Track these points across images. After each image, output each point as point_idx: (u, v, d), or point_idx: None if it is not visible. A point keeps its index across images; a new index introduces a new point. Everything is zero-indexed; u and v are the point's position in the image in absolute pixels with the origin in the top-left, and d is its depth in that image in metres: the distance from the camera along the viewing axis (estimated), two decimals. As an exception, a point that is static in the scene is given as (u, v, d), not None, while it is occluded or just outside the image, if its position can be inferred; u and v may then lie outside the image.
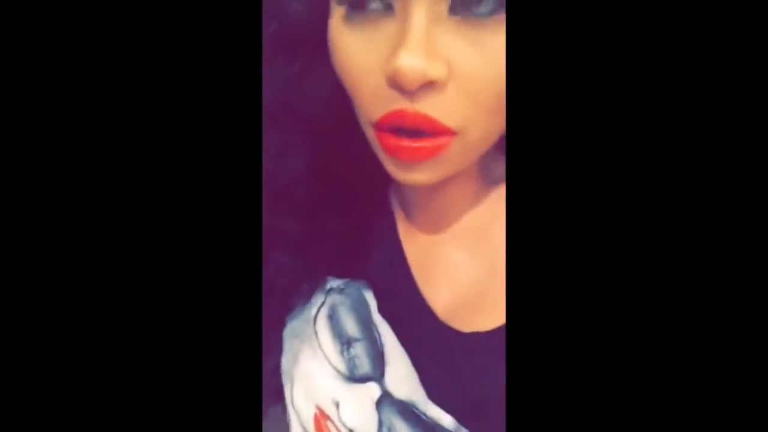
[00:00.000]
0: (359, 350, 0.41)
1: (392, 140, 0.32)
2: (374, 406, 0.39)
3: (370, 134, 0.34)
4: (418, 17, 0.28)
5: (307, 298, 0.43)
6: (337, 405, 0.41)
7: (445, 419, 0.38)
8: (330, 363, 0.42)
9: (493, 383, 0.37)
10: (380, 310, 0.42)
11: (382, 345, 0.41)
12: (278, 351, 0.44)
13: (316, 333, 0.43)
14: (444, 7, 0.29)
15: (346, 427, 0.40)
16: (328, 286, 0.43)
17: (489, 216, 0.41)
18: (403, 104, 0.31)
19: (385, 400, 0.39)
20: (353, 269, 0.43)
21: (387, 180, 0.35)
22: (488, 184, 0.41)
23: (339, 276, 0.43)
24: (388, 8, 0.30)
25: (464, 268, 0.41)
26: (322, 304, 0.43)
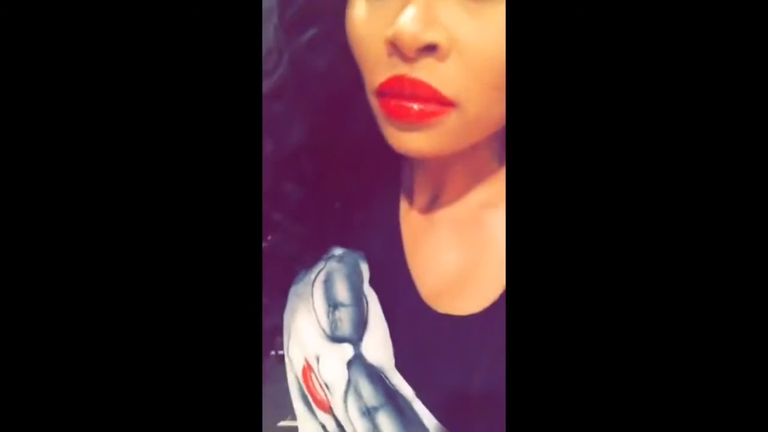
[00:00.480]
0: (343, 314, 0.44)
1: (392, 102, 0.33)
2: (345, 366, 0.43)
3: (374, 103, 0.36)
4: None
5: (310, 264, 0.47)
6: (318, 360, 0.45)
7: (405, 389, 0.40)
8: (318, 322, 0.46)
9: (460, 365, 0.40)
10: (371, 282, 0.45)
11: (367, 313, 0.44)
12: (280, 310, 0.49)
13: (312, 294, 0.47)
14: None
15: (323, 380, 0.44)
16: (329, 254, 0.47)
17: (481, 203, 0.42)
18: (402, 69, 0.32)
19: (356, 361, 0.43)
20: (352, 240, 0.46)
21: (393, 156, 0.38)
22: (493, 171, 0.42)
23: (339, 245, 0.47)
24: None
25: (452, 253, 0.43)
26: (321, 269, 0.47)
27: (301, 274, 0.48)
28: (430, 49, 0.31)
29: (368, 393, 0.41)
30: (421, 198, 0.45)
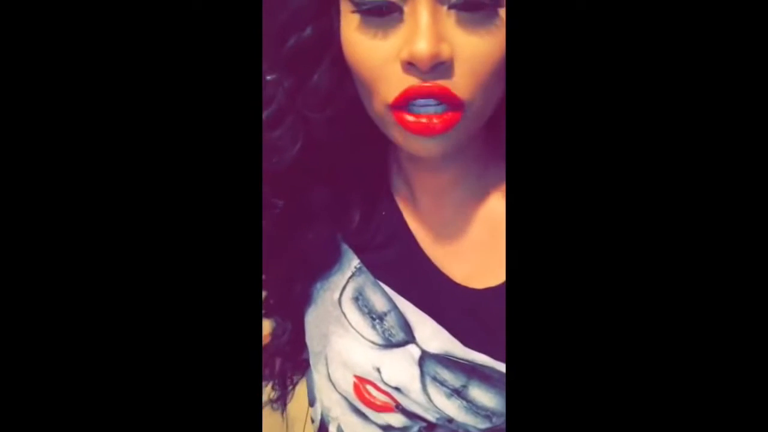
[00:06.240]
0: (391, 321, 0.46)
1: (411, 118, 0.37)
2: (417, 363, 0.45)
3: (387, 117, 0.39)
4: (425, 14, 0.35)
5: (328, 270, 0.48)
6: (378, 370, 0.46)
7: (481, 357, 0.45)
8: (363, 337, 0.46)
9: None
10: (400, 286, 0.46)
11: (403, 313, 0.46)
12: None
13: (343, 314, 0.47)
14: (444, 5, 0.35)
15: (390, 386, 0.46)
16: (350, 271, 0.47)
17: (480, 185, 0.46)
18: (414, 82, 0.37)
19: (425, 356, 0.45)
20: (367, 253, 0.47)
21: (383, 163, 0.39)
22: (486, 155, 0.46)
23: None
24: (399, 14, 0.36)
25: (467, 235, 0.46)
26: (344, 287, 0.47)
27: (316, 291, 0.48)
28: (441, 62, 0.36)
29: (449, 377, 0.45)
30: (424, 197, 0.47)
